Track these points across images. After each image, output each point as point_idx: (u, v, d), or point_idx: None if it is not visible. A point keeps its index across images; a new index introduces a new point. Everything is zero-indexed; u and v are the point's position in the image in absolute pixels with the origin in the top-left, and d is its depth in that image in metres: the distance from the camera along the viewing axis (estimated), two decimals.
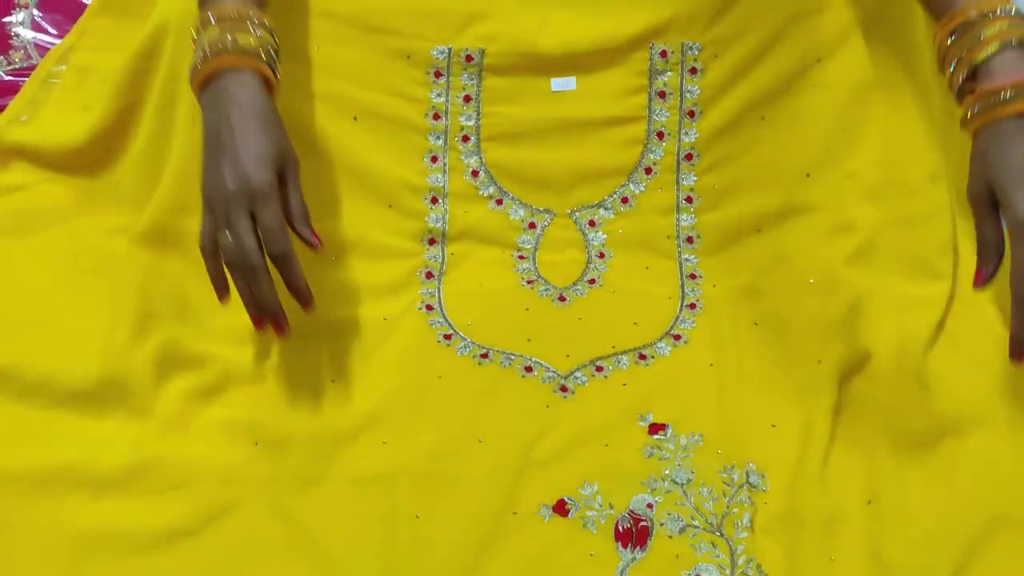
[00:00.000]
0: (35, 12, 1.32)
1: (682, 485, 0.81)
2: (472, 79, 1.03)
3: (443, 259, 1.03)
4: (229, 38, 0.83)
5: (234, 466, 0.82)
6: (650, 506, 0.79)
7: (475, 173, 1.05)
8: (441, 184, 1.04)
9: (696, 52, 1.03)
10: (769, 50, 1.01)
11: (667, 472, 0.81)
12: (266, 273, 0.81)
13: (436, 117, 1.04)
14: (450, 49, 1.02)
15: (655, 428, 0.86)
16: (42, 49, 1.28)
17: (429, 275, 1.02)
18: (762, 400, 0.87)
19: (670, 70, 1.04)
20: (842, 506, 0.79)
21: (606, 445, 0.84)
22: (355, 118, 1.02)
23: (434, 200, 1.05)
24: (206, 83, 0.84)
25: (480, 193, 1.06)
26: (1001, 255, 0.78)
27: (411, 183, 1.04)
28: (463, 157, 1.05)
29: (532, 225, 1.05)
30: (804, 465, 0.81)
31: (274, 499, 0.79)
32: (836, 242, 0.96)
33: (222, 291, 0.84)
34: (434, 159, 1.05)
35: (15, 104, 1.12)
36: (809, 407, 0.86)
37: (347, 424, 0.86)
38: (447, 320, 0.97)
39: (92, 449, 0.81)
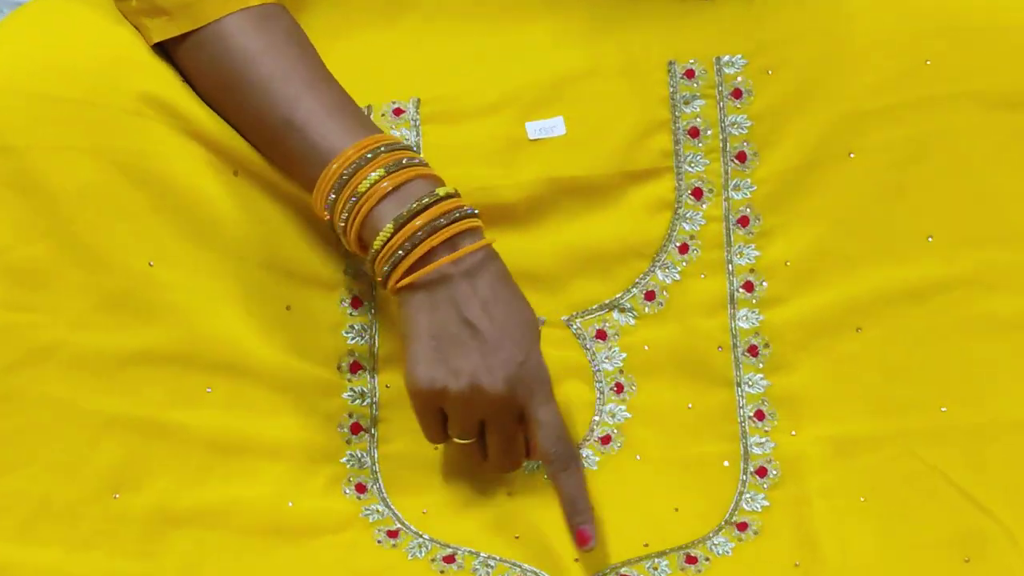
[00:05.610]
0: None
1: None
2: (411, 132, 0.90)
3: (374, 399, 0.85)
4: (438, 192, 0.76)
5: None
6: None
7: None
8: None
9: (739, 67, 0.86)
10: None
11: None
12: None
13: None
14: (369, 107, 0.89)
15: None
16: None
17: (356, 428, 0.84)
18: None
19: (702, 96, 0.87)
20: None
21: None
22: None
23: (355, 303, 0.86)
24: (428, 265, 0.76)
25: None
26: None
27: (321, 277, 0.87)
28: None
29: None
30: None
31: None
32: (991, 340, 0.81)
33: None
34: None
35: None
36: None
37: None
38: (390, 507, 0.82)
39: None
